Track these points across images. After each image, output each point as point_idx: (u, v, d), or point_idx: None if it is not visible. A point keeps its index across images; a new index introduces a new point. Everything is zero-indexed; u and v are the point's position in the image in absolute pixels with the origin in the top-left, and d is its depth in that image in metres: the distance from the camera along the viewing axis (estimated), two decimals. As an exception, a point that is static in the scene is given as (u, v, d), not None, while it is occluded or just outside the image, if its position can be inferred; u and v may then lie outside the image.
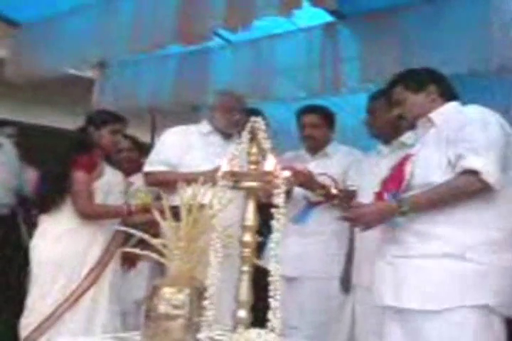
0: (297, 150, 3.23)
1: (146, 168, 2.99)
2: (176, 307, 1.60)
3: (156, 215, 1.74)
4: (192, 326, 1.61)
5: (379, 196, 2.13)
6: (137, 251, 1.78)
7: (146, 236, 1.74)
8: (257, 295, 1.70)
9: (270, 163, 1.67)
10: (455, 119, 2.08)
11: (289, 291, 2.83)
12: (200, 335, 1.64)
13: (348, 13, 3.45)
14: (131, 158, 3.57)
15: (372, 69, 3.35)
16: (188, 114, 4.23)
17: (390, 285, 2.05)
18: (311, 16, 3.41)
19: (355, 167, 2.90)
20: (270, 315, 1.59)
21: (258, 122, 1.72)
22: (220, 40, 3.97)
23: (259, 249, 1.83)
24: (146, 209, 2.72)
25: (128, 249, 1.93)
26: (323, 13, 3.42)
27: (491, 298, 1.93)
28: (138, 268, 3.26)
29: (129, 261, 3.17)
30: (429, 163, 2.04)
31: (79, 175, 2.77)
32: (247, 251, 1.68)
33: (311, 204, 2.99)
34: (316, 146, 3.13)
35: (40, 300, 2.71)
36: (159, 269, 2.85)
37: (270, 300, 1.59)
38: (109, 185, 2.89)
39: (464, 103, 2.19)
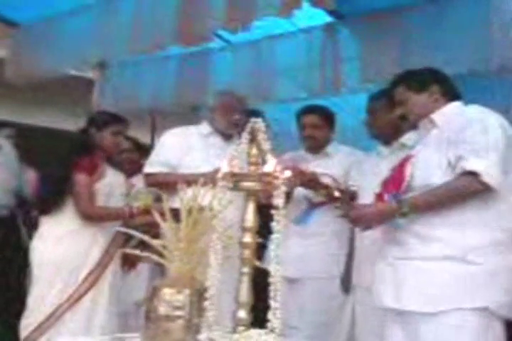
0: (297, 151, 3.22)
1: (146, 169, 2.99)
2: (176, 308, 1.60)
3: (157, 217, 1.74)
4: (192, 327, 1.61)
5: (379, 197, 2.13)
6: (137, 252, 1.78)
7: (146, 238, 1.73)
8: (258, 295, 1.69)
9: (270, 164, 1.67)
10: (457, 120, 2.07)
11: (290, 292, 2.84)
12: (201, 336, 1.64)
13: (348, 14, 3.44)
14: (132, 159, 3.58)
15: (372, 70, 3.35)
16: (188, 115, 4.21)
17: (390, 287, 2.05)
18: (310, 17, 3.40)
19: (356, 167, 2.89)
20: (270, 315, 1.59)
21: (258, 123, 1.72)
22: (220, 41, 3.96)
23: (261, 250, 1.82)
24: (147, 211, 2.72)
25: (128, 250, 1.92)
26: (322, 13, 3.42)
27: (494, 299, 1.92)
28: (138, 270, 3.26)
29: (129, 263, 3.16)
30: (429, 164, 2.03)
31: (80, 178, 2.76)
32: (247, 253, 1.68)
33: (313, 205, 2.99)
34: (316, 146, 3.13)
35: (40, 300, 2.71)
36: (159, 270, 2.84)
37: (270, 300, 1.59)
38: (110, 187, 2.88)
39: (465, 103, 2.19)
